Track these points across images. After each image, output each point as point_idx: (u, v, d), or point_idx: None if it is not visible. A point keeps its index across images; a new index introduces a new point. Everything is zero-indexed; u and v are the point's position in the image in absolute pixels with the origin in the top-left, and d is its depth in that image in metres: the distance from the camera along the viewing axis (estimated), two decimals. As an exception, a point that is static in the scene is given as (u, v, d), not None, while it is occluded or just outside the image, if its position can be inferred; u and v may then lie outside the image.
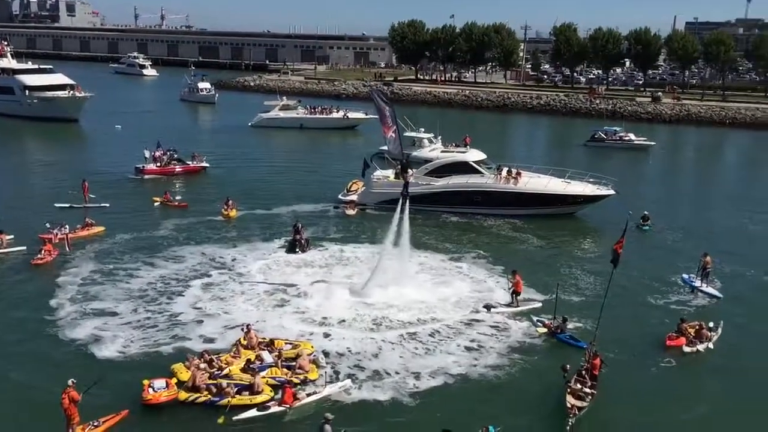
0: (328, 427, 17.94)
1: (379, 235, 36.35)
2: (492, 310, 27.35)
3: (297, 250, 33.84)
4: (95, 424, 18.85)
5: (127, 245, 34.21)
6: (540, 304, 27.78)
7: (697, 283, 30.63)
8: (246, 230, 37.34)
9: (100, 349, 23.33)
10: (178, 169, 50.94)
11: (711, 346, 24.96)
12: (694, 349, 24.60)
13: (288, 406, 20.07)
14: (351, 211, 41.64)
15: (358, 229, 38.52)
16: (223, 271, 31.04)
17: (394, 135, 30.96)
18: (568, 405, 20.04)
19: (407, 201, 29.88)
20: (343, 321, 26.10)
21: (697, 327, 25.49)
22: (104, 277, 29.83)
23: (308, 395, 20.70)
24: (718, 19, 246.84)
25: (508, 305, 27.70)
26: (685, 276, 31.43)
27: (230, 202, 40.64)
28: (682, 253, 34.22)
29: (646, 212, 39.96)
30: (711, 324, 25.77)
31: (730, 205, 48.01)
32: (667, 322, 26.61)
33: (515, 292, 27.79)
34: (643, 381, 22.53)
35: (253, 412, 20.00)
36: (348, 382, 21.51)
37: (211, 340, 24.23)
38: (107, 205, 40.96)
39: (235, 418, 19.74)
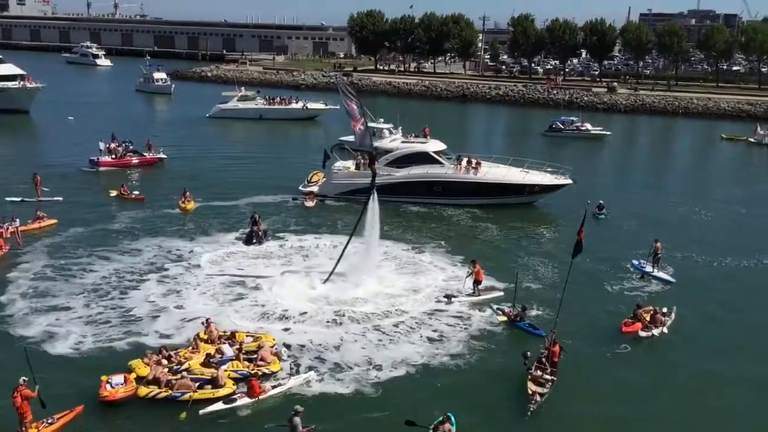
0: (297, 419, 17.82)
1: (339, 226, 36.47)
2: (453, 299, 27.48)
3: (254, 241, 33.50)
4: (49, 421, 18.45)
5: (81, 239, 33.49)
6: (501, 293, 28.00)
7: (648, 269, 31.34)
8: (203, 223, 36.87)
9: (53, 346, 22.77)
10: (134, 161, 50.02)
11: (665, 330, 25.50)
12: (650, 333, 25.11)
13: (255, 398, 19.92)
14: (310, 203, 41.42)
15: (318, 221, 38.30)
16: (179, 264, 30.57)
17: (362, 128, 31.10)
18: (530, 392, 20.32)
19: (375, 193, 29.73)
20: (304, 313, 25.91)
21: (651, 312, 25.98)
22: (57, 272, 29.16)
23: (273, 387, 20.55)
24: (671, 10, 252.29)
25: (470, 295, 27.86)
26: (635, 262, 32.12)
27: (187, 194, 40.06)
28: (637, 241, 34.77)
29: (601, 201, 40.59)
30: (665, 309, 26.31)
31: (683, 192, 49.20)
32: (622, 308, 27.09)
33: (476, 282, 27.96)
34: (601, 367, 22.90)
35: (219, 405, 19.80)
36: (312, 374, 21.42)
37: (167, 336, 23.83)
38: (60, 198, 39.98)
39: (201, 411, 19.49)
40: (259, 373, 21.10)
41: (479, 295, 27.81)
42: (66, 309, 25.59)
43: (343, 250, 29.23)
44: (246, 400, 19.99)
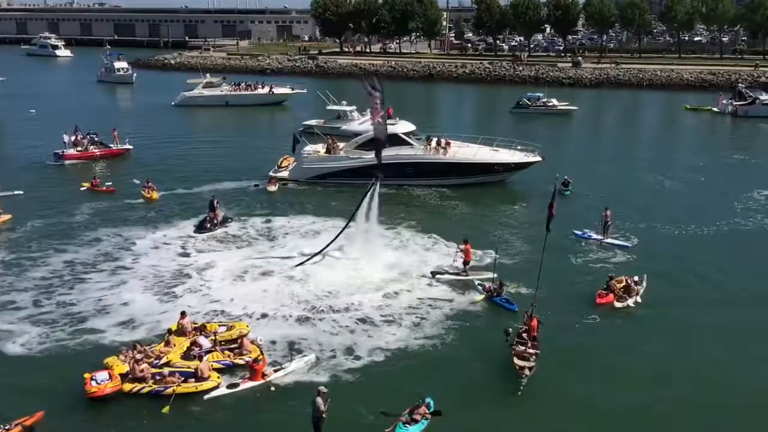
0: (319, 399, 17.63)
1: (302, 210, 36.72)
2: (438, 276, 27.59)
3: (208, 226, 32.98)
4: (6, 427, 18.00)
5: (39, 233, 32.66)
6: (494, 275, 27.32)
7: (599, 237, 32.10)
8: (168, 211, 36.42)
9: (5, 346, 22.17)
10: (97, 153, 49.07)
11: (639, 299, 25.92)
12: (624, 304, 25.47)
13: (258, 382, 19.98)
14: (272, 187, 41.19)
15: (282, 205, 38.12)
16: (139, 255, 30.03)
17: (380, 120, 31.98)
18: (518, 367, 20.44)
19: (377, 184, 30.23)
20: (275, 300, 25.65)
21: (623, 282, 26.35)
22: (8, 269, 28.42)
23: (275, 371, 20.55)
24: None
25: (457, 273, 27.85)
26: (578, 232, 32.72)
27: (149, 183, 39.58)
28: (599, 214, 34.24)
29: (566, 177, 40.71)
30: (636, 278, 26.69)
31: (648, 164, 49.82)
32: (589, 278, 27.62)
33: (465, 261, 27.95)
34: (580, 340, 23.09)
35: (222, 390, 19.84)
36: (312, 356, 21.39)
37: (131, 327, 23.45)
38: (21, 192, 39.01)
39: (205, 397, 19.53)
40: (242, 362, 21.03)
41: (467, 274, 27.66)
42: (18, 308, 24.85)
43: (325, 247, 29.34)
44: (249, 384, 20.03)
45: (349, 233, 30.30)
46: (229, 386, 20.11)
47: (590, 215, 34.41)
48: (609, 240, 32.07)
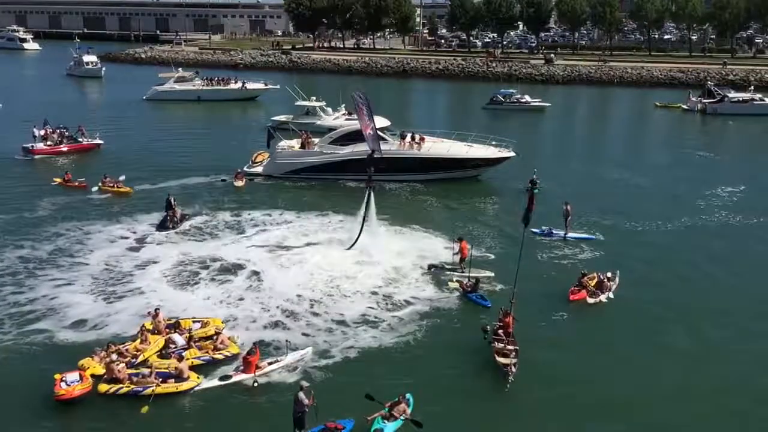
0: (301, 394, 17.65)
1: (273, 204, 36.69)
2: (433, 269, 27.86)
3: (169, 226, 32.60)
4: None
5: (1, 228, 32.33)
6: (492, 274, 27.55)
7: (561, 232, 32.35)
8: (134, 207, 36.04)
9: None
10: (64, 149, 48.35)
11: (611, 295, 26.20)
12: (597, 300, 25.73)
13: (251, 374, 19.91)
14: (239, 183, 40.98)
15: (250, 200, 37.98)
16: (95, 251, 29.70)
17: (371, 132, 31.94)
18: (502, 365, 20.52)
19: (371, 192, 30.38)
20: (242, 299, 25.39)
21: (596, 278, 26.62)
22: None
23: (270, 364, 20.50)
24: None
25: (453, 270, 27.85)
26: (536, 230, 31.59)
27: (107, 178, 39.40)
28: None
29: (533, 176, 40.58)
30: (609, 274, 27.01)
31: (618, 161, 50.36)
32: (560, 276, 27.71)
33: (461, 259, 27.94)
34: (553, 337, 23.25)
35: (214, 382, 19.80)
36: (309, 350, 21.38)
37: (93, 327, 23.10)
38: None
39: (197, 388, 19.47)
40: (220, 357, 20.96)
41: (462, 271, 27.51)
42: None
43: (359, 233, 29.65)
44: (242, 376, 19.96)
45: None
46: (222, 378, 20.03)
47: (555, 212, 34.57)
48: (572, 234, 32.39)
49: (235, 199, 38.32)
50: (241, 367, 20.32)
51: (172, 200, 33.91)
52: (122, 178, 39.79)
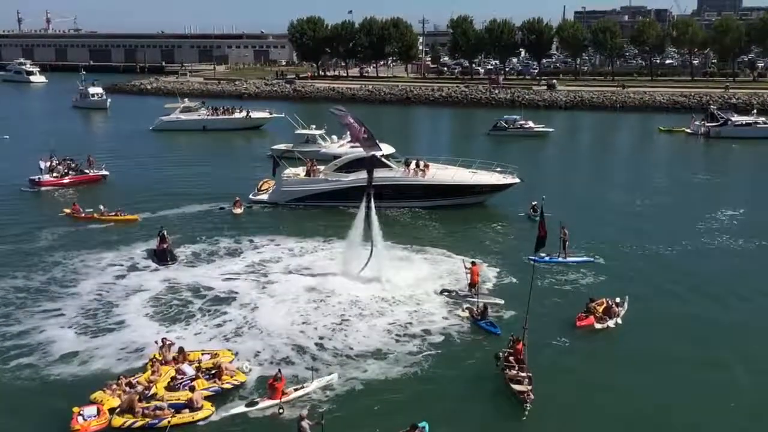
0: (304, 423, 17.73)
1: (272, 231, 36.92)
2: (445, 293, 27.91)
3: (168, 260, 32.31)
4: None
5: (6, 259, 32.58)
6: (502, 301, 27.44)
7: (560, 258, 32.11)
8: (137, 236, 36.24)
9: None
10: (66, 181, 48.50)
11: (619, 321, 26.00)
12: (605, 325, 25.54)
13: (277, 401, 19.84)
14: (238, 210, 41.11)
15: (247, 227, 38.18)
16: (94, 280, 30.00)
17: (365, 135, 32.10)
18: (517, 392, 20.38)
19: (372, 199, 30.43)
20: (240, 330, 25.31)
21: (604, 304, 26.44)
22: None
23: (296, 390, 20.48)
24: (605, 7, 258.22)
25: (466, 296, 27.72)
26: (533, 257, 28.78)
27: (102, 208, 39.93)
28: (571, 237, 33.91)
29: (535, 202, 40.35)
30: (618, 299, 26.80)
31: (622, 186, 50.39)
32: (565, 301, 27.63)
33: (473, 284, 27.79)
34: (562, 363, 23.11)
35: (241, 408, 19.80)
36: (334, 376, 21.33)
37: (83, 363, 22.91)
38: None
39: (224, 414, 19.51)
40: (229, 386, 20.88)
41: (475, 296, 27.32)
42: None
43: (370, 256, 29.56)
44: (268, 402, 19.91)
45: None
46: (248, 404, 20.00)
47: (554, 238, 34.52)
48: (571, 258, 32.23)
49: (234, 226, 38.45)
50: (267, 393, 20.25)
51: (165, 233, 33.74)
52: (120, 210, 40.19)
